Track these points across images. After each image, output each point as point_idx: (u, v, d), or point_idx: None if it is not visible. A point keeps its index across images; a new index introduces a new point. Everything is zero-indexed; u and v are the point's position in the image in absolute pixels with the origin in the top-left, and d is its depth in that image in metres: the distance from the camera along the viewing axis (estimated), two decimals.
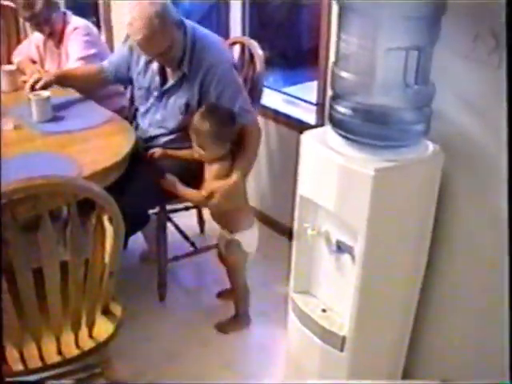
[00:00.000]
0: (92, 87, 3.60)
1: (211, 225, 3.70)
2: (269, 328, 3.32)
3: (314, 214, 2.34)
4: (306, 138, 2.29)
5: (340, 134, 2.15)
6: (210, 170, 2.94)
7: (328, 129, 2.24)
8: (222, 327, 3.28)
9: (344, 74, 2.10)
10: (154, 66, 3.23)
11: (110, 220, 2.15)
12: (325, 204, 2.22)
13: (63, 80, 3.52)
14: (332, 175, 2.13)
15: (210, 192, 2.87)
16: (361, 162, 2.05)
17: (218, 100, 3.03)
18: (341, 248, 2.27)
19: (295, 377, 2.66)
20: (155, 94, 3.25)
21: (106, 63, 3.50)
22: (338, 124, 2.16)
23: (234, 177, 2.89)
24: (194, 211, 3.94)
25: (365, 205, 2.04)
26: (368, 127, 2.06)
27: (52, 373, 2.49)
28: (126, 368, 2.86)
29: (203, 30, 3.19)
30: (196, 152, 2.91)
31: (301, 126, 3.52)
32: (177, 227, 3.71)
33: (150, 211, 3.40)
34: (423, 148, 2.18)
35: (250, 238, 3.09)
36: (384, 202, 2.07)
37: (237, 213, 3.06)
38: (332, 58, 2.28)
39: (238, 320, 3.30)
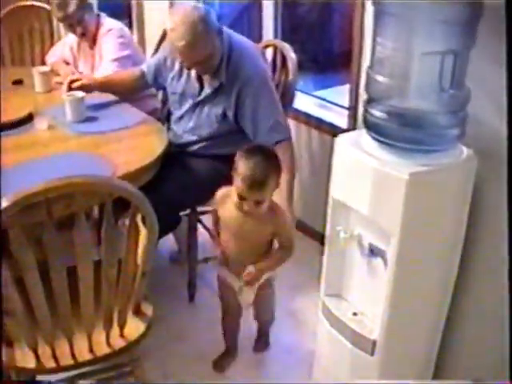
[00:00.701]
0: (131, 92, 3.62)
1: None
2: (298, 331, 3.32)
3: (347, 217, 2.34)
4: (340, 140, 2.29)
5: (374, 138, 2.15)
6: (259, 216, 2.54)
7: (362, 132, 2.24)
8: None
9: (379, 78, 2.10)
10: (192, 72, 3.21)
11: (143, 220, 2.17)
12: (358, 207, 2.22)
13: (103, 86, 3.54)
14: (366, 178, 2.13)
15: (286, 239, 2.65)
16: (395, 166, 2.05)
17: (254, 113, 3.03)
18: (373, 252, 2.27)
19: (323, 380, 2.65)
20: (190, 101, 3.25)
21: (144, 67, 3.50)
22: (372, 127, 2.16)
23: (291, 211, 2.89)
24: None
25: (398, 209, 2.04)
26: (402, 131, 2.06)
27: (82, 370, 2.52)
28: (155, 368, 2.88)
29: (238, 37, 3.17)
30: (248, 212, 2.49)
31: (332, 130, 3.53)
32: (207, 229, 3.72)
33: (181, 213, 3.41)
34: (457, 152, 2.17)
35: None
36: (418, 206, 2.06)
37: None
38: (365, 62, 2.28)
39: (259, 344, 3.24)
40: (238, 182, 2.42)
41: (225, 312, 3.00)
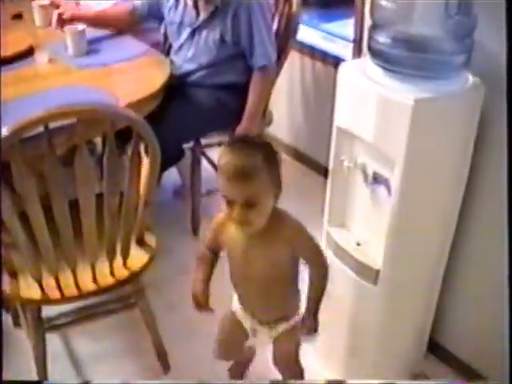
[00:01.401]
0: (125, 27, 3.58)
1: None
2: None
3: (351, 145, 2.31)
4: (344, 67, 2.25)
5: (379, 65, 2.11)
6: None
7: (367, 59, 2.19)
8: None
9: (384, 3, 2.05)
10: (188, 0, 3.21)
11: (146, 150, 2.15)
12: (362, 135, 2.19)
13: (95, 20, 3.51)
14: (370, 105, 2.09)
15: None
16: (400, 92, 2.01)
17: (247, 38, 3.01)
18: (377, 180, 2.25)
19: (328, 311, 2.65)
20: (188, 30, 3.24)
21: (138, 2, 3.50)
22: (377, 54, 2.11)
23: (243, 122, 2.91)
24: None
25: (403, 135, 2.01)
26: (408, 57, 2.01)
27: (87, 302, 2.54)
28: (158, 300, 2.89)
29: None
30: (240, 221, 1.90)
31: (337, 63, 3.48)
32: (211, 162, 3.70)
33: (185, 146, 3.40)
34: (464, 80, 2.13)
35: None
36: (422, 134, 2.03)
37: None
38: None
39: None
40: (220, 180, 1.87)
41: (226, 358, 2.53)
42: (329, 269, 2.12)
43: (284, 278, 2.09)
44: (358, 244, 2.40)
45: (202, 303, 2.07)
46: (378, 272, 2.31)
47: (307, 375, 2.66)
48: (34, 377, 2.50)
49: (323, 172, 3.42)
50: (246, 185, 1.82)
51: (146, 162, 2.17)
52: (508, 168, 1.72)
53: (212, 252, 2.16)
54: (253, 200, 1.84)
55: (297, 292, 2.21)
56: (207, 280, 2.12)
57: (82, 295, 2.34)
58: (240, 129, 3.09)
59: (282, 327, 2.22)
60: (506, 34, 1.74)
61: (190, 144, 3.35)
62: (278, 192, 1.94)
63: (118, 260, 2.36)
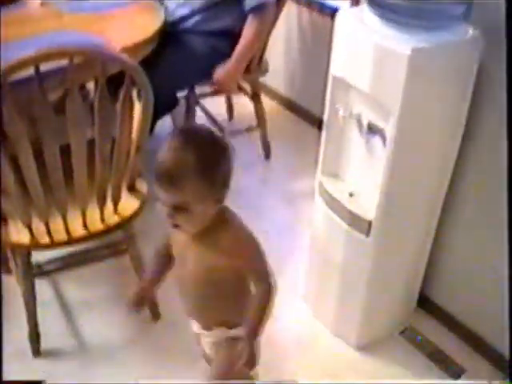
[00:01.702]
0: None
1: (240, 110, 3.68)
2: (293, 215, 3.33)
3: (346, 95, 2.28)
4: (341, 16, 2.21)
5: (376, 13, 2.07)
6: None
7: (364, 8, 2.15)
8: None
9: None
10: None
11: (139, 96, 2.13)
12: (358, 84, 2.16)
13: None
14: (367, 54, 2.05)
15: None
16: (397, 41, 1.97)
17: None
18: (372, 130, 2.22)
19: (319, 262, 2.66)
20: None
21: None
22: (374, 3, 2.07)
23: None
24: (223, 98, 3.91)
25: (399, 85, 1.97)
26: (405, 5, 1.97)
27: (77, 249, 2.53)
28: (149, 246, 2.86)
29: None
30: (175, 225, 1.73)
31: (334, 13, 3.42)
32: (205, 111, 3.66)
33: (179, 95, 3.36)
34: (463, 32, 2.09)
35: None
36: (419, 83, 2.00)
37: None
38: None
39: None
40: None
41: None
42: (273, 289, 1.81)
43: (222, 285, 1.83)
44: (351, 195, 2.38)
45: (135, 301, 1.95)
46: (370, 223, 2.30)
47: (298, 324, 2.68)
48: (24, 323, 2.51)
49: (317, 124, 3.40)
50: (171, 190, 1.62)
51: (138, 107, 2.14)
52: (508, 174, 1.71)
53: (165, 249, 1.98)
54: (181, 206, 1.64)
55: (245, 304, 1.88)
56: (154, 279, 1.99)
57: (71, 241, 2.33)
58: (222, 71, 3.05)
59: (223, 334, 1.95)
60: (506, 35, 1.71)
61: (184, 93, 3.31)
62: (220, 196, 1.70)
63: (109, 206, 2.34)
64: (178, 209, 1.64)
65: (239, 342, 1.80)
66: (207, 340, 2.01)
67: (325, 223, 2.51)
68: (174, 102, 3.33)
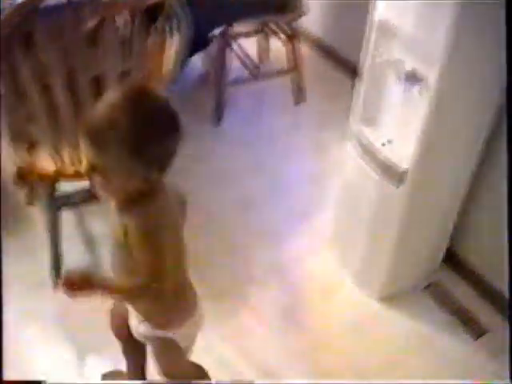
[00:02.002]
0: None
1: (275, 52, 3.62)
2: (323, 162, 3.28)
3: (388, 41, 2.20)
4: None
5: None
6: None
7: None
8: None
9: None
10: None
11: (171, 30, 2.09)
12: (402, 29, 2.08)
13: None
14: None
15: None
16: None
17: None
18: (411, 78, 2.15)
19: (349, 210, 2.62)
20: None
21: None
22: None
23: None
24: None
25: (446, 33, 1.90)
26: None
27: None
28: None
29: None
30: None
31: None
32: (241, 50, 3.60)
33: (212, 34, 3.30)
34: None
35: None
36: (466, 34, 1.92)
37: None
38: None
39: None
40: None
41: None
42: (144, 290, 1.59)
43: (129, 264, 1.62)
44: (383, 144, 2.32)
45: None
46: (402, 173, 2.24)
47: (322, 271, 2.65)
48: (46, 254, 2.51)
49: (351, 70, 3.32)
50: (91, 148, 1.42)
51: (174, 39, 2.10)
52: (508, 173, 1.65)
53: None
54: (95, 167, 1.45)
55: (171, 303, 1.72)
56: None
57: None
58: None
59: (146, 330, 1.81)
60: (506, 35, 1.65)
61: (218, 31, 3.25)
62: (148, 175, 1.50)
63: None
64: (94, 170, 1.46)
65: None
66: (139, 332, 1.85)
67: (355, 172, 2.46)
68: (207, 41, 3.27)
